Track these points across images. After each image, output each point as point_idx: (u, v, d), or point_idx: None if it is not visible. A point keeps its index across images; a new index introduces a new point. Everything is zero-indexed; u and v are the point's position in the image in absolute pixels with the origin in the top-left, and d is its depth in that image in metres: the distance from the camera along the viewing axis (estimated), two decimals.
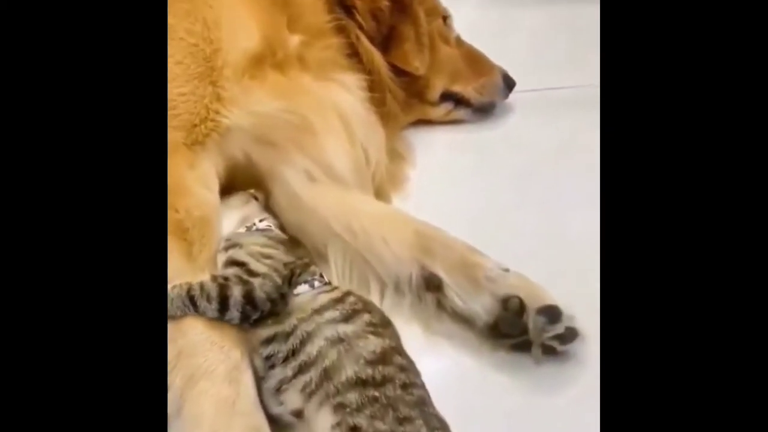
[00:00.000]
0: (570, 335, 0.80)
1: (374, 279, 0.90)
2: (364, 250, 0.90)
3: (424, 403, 0.66)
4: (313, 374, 0.66)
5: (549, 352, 0.81)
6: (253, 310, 0.70)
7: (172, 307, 0.70)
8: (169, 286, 0.71)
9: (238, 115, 0.86)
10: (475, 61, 1.24)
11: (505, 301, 0.82)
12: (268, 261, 0.74)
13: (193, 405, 0.66)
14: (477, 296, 0.84)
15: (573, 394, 0.80)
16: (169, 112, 0.82)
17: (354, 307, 0.71)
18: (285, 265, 0.74)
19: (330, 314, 0.70)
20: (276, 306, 0.71)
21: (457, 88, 1.22)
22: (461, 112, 1.24)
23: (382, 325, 0.71)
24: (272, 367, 0.69)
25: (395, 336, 0.72)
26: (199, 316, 0.70)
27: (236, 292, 0.70)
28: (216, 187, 0.84)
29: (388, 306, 0.89)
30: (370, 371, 0.65)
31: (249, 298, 0.70)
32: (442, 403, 0.78)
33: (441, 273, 0.86)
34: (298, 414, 0.67)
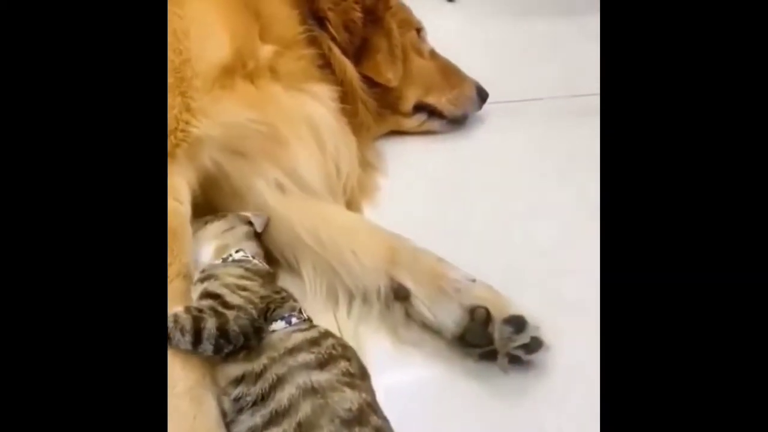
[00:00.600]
0: (535, 345, 0.82)
1: (342, 290, 0.91)
2: (333, 261, 0.91)
3: None
4: (286, 428, 0.63)
5: (515, 361, 0.83)
6: (227, 344, 0.68)
7: None
8: None
9: (207, 125, 0.86)
10: (449, 73, 1.26)
11: (472, 312, 0.83)
12: (244, 293, 0.72)
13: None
14: (445, 306, 0.85)
15: (538, 402, 0.81)
16: None
17: (331, 352, 0.69)
18: (261, 298, 0.73)
19: (303, 357, 0.68)
20: (250, 340, 0.69)
21: (431, 100, 1.24)
22: (434, 123, 1.26)
23: (360, 377, 0.69)
24: (240, 410, 0.67)
25: (371, 390, 0.69)
26: (172, 347, 0.69)
27: (210, 325, 0.68)
28: (187, 199, 0.84)
29: (355, 316, 0.90)
30: None
31: (223, 330, 0.68)
32: (411, 411, 0.80)
33: (409, 284, 0.88)
34: None
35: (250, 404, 0.66)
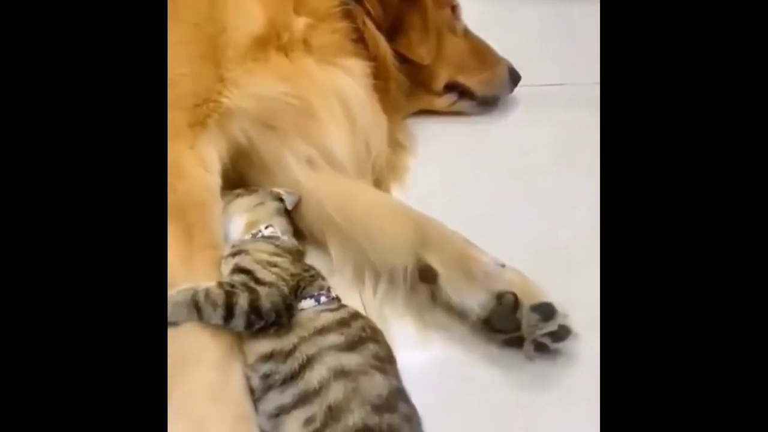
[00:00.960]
0: (563, 333, 0.81)
1: (369, 268, 0.91)
2: (361, 239, 0.90)
3: None
4: (317, 410, 0.64)
5: (541, 349, 0.82)
6: (258, 319, 0.68)
7: (173, 313, 0.69)
8: (172, 291, 0.70)
9: (239, 97, 0.86)
10: (482, 54, 1.24)
11: (500, 297, 0.82)
12: (274, 269, 0.72)
13: (181, 390, 0.67)
14: (472, 290, 0.84)
15: (564, 392, 0.81)
16: (170, 92, 0.81)
17: (360, 334, 0.69)
18: (292, 275, 0.73)
19: (333, 338, 0.68)
20: (281, 317, 0.69)
21: (462, 80, 1.21)
22: (465, 104, 1.24)
23: (389, 360, 0.69)
24: (269, 388, 0.67)
25: (398, 375, 0.69)
26: (203, 322, 0.69)
27: (242, 301, 0.68)
28: (216, 169, 0.84)
29: (380, 297, 0.90)
30: (377, 419, 0.63)
31: (254, 306, 0.68)
32: (432, 395, 0.79)
33: (437, 265, 0.87)
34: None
35: (279, 382, 0.66)
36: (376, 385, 0.65)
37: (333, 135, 0.95)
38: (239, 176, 0.91)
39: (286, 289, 0.70)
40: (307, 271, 0.76)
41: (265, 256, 0.74)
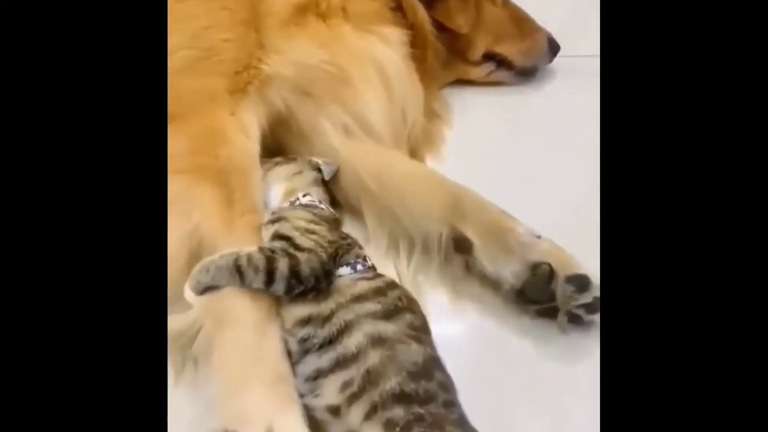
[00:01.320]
0: (597, 305, 0.81)
1: (404, 237, 0.91)
2: (396, 207, 0.91)
3: (465, 422, 0.65)
4: (354, 374, 0.65)
5: (575, 320, 0.82)
6: (298, 284, 0.70)
7: (216, 277, 0.71)
8: (215, 256, 0.72)
9: (279, 64, 0.86)
10: (521, 23, 1.22)
11: (535, 267, 0.82)
12: (313, 237, 0.74)
13: (221, 349, 0.69)
14: (507, 261, 0.84)
15: (597, 365, 0.81)
16: (212, 58, 0.84)
17: (397, 303, 0.70)
18: (330, 243, 0.74)
19: (370, 306, 0.69)
20: (320, 283, 0.71)
21: (500, 49, 1.20)
22: (502, 74, 1.23)
23: (424, 330, 0.70)
24: (306, 351, 0.69)
25: (433, 345, 0.70)
26: (244, 286, 0.71)
27: (282, 266, 0.70)
28: (255, 136, 0.85)
29: (414, 266, 0.90)
30: (413, 386, 0.64)
31: (294, 271, 0.70)
32: (464, 366, 0.80)
33: (471, 235, 0.87)
34: (334, 411, 0.66)
35: (317, 346, 0.68)
36: (412, 353, 0.66)
37: (369, 103, 0.95)
38: (277, 143, 0.92)
39: (324, 256, 0.72)
40: (344, 239, 0.77)
41: (303, 224, 0.75)
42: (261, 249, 0.73)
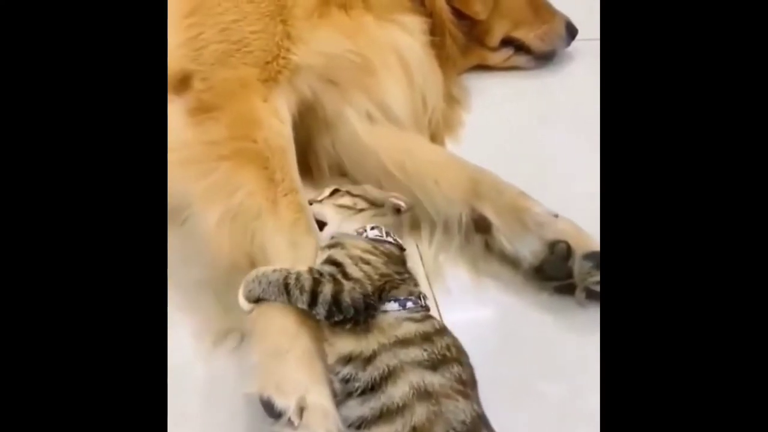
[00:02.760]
0: None
1: (425, 219, 0.96)
2: (417, 190, 0.95)
3: None
4: (399, 428, 0.64)
5: (592, 296, 0.86)
6: (338, 312, 0.70)
7: (266, 291, 0.73)
8: (268, 268, 0.75)
9: (307, 53, 0.91)
10: (539, 8, 1.24)
11: (553, 245, 0.87)
12: (365, 267, 0.73)
13: (263, 324, 0.74)
14: (525, 239, 0.89)
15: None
16: (242, 49, 0.88)
17: (445, 354, 0.68)
18: (381, 275, 0.73)
19: (416, 353, 0.67)
20: (359, 315, 0.70)
21: (518, 35, 1.23)
22: (521, 59, 1.26)
23: (471, 385, 0.68)
24: (349, 395, 0.68)
25: (479, 400, 0.68)
26: (290, 305, 0.73)
27: (326, 290, 0.71)
28: (288, 120, 0.90)
29: (435, 247, 0.95)
30: None
31: (336, 299, 0.70)
32: (486, 341, 0.85)
33: (490, 215, 0.91)
34: None
35: (359, 391, 0.67)
36: (459, 410, 0.65)
37: (391, 90, 0.99)
38: (305, 130, 0.96)
39: (370, 288, 0.71)
40: (399, 274, 0.75)
41: (359, 252, 0.75)
42: (310, 269, 0.74)
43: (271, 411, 0.68)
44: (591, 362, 0.80)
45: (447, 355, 0.68)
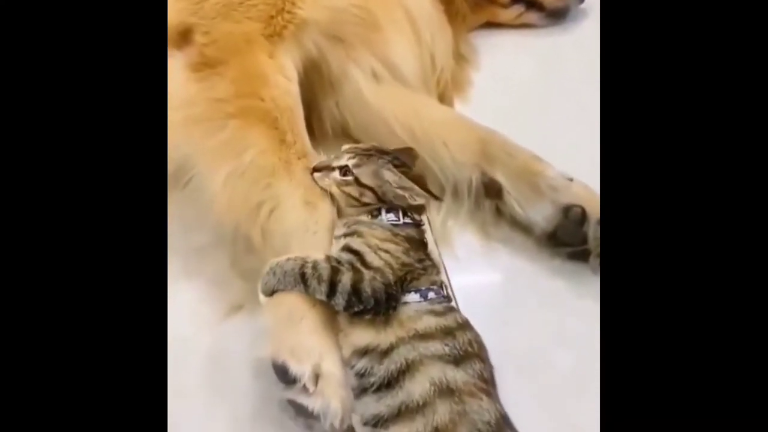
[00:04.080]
0: None
1: (434, 183, 0.93)
2: (425, 153, 0.92)
3: None
4: (420, 428, 0.61)
5: None
6: (358, 302, 0.67)
7: (282, 281, 0.71)
8: (284, 258, 0.72)
9: (312, 7, 0.88)
10: None
11: (567, 210, 0.85)
12: (384, 255, 0.70)
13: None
14: (537, 204, 0.87)
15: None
16: (245, 3, 0.85)
17: (467, 349, 0.65)
18: (402, 265, 0.70)
19: (436, 347, 0.65)
20: (379, 305, 0.67)
21: None
22: (532, 16, 1.23)
23: (492, 383, 0.65)
24: (364, 390, 0.65)
25: (500, 400, 0.65)
26: (308, 294, 0.70)
27: (345, 279, 0.68)
28: (296, 78, 0.87)
29: (444, 212, 0.93)
30: None
31: (356, 288, 0.67)
32: (496, 308, 0.84)
33: (502, 179, 0.89)
34: None
35: (375, 386, 0.64)
36: (484, 410, 0.62)
37: (398, 48, 0.97)
38: (310, 89, 0.93)
39: (391, 278, 0.68)
40: (421, 262, 0.72)
41: (377, 241, 0.72)
42: (328, 258, 0.71)
43: (284, 376, 0.67)
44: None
45: (469, 350, 0.66)
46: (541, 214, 0.87)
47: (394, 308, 0.68)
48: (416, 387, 0.63)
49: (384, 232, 0.73)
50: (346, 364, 0.68)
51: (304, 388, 0.66)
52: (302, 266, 0.70)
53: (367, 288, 0.67)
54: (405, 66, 0.97)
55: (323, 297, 0.69)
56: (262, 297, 0.73)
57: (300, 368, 0.67)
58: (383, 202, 0.76)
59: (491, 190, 0.91)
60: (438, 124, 0.95)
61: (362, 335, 0.68)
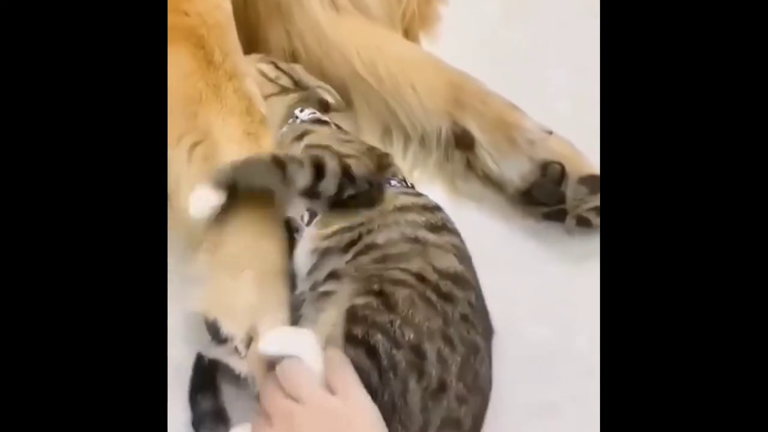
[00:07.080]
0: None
1: (398, 130, 0.88)
2: (390, 97, 0.87)
3: (476, 350, 0.61)
4: (373, 257, 0.62)
5: (584, 223, 0.81)
6: (351, 184, 0.64)
7: (247, 172, 0.65)
8: (235, 160, 0.66)
9: None
10: None
11: (545, 167, 0.81)
12: (350, 144, 0.68)
13: (217, 229, 0.68)
14: (513, 159, 0.83)
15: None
16: None
17: (445, 223, 0.67)
18: (369, 150, 0.68)
19: (414, 216, 0.65)
20: (372, 188, 0.65)
21: None
22: None
23: (468, 261, 0.66)
24: (325, 254, 0.65)
25: (478, 285, 0.66)
26: (284, 184, 0.65)
27: (333, 163, 0.64)
28: None
29: (411, 161, 0.88)
30: (436, 277, 0.61)
31: (346, 171, 0.65)
32: None
33: (474, 130, 0.85)
34: (333, 274, 0.63)
35: (342, 245, 0.64)
36: (446, 259, 0.63)
37: None
38: (254, 13, 0.85)
39: (371, 164, 0.67)
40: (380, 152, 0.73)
41: (334, 134, 0.70)
42: (303, 150, 0.68)
43: (215, 335, 0.65)
44: (583, 297, 0.79)
45: (447, 225, 0.67)
46: (517, 171, 0.82)
47: (381, 193, 0.66)
48: (381, 236, 0.63)
49: (327, 128, 0.72)
50: (314, 251, 0.65)
51: (236, 350, 0.64)
52: (273, 156, 0.65)
53: (357, 170, 0.65)
54: None
55: (307, 183, 0.64)
56: (210, 194, 0.64)
57: (232, 330, 0.64)
58: (299, 89, 0.76)
59: (462, 142, 0.86)
60: (405, 63, 0.88)
61: (343, 220, 0.65)
